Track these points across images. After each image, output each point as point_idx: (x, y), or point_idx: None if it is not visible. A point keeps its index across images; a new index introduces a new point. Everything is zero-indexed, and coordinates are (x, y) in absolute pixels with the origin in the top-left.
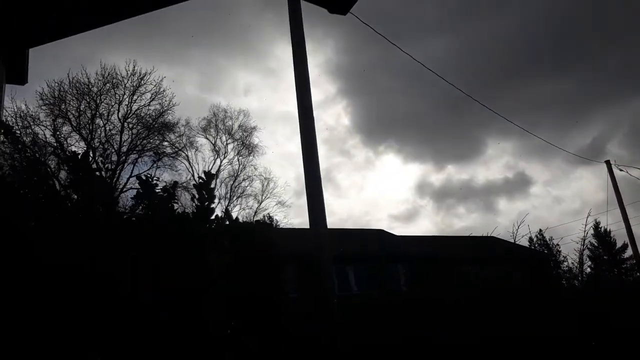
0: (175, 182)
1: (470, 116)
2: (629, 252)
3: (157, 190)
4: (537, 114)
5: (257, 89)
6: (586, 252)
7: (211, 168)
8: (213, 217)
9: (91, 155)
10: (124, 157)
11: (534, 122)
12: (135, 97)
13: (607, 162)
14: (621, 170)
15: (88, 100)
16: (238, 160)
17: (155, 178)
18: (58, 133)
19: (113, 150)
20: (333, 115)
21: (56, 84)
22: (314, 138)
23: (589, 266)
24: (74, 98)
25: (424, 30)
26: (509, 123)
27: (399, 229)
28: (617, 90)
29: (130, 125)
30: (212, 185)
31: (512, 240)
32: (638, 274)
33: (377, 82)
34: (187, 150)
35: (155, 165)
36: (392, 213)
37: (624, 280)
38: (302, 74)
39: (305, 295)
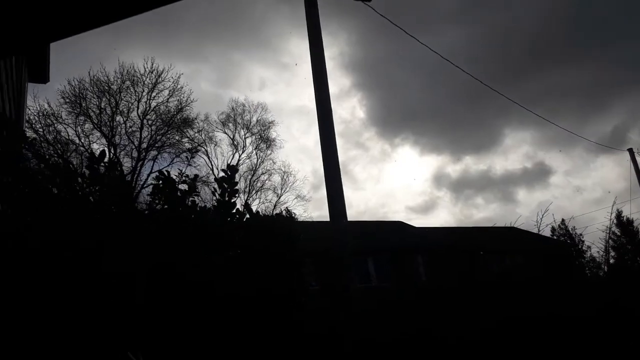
0: (196, 176)
1: (488, 106)
2: None
3: (178, 187)
4: (557, 102)
5: (273, 84)
6: (609, 242)
7: (230, 162)
8: (234, 211)
9: (112, 152)
10: (144, 154)
11: (554, 111)
12: (153, 94)
13: (630, 150)
14: None
15: (108, 97)
16: (256, 154)
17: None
18: (80, 130)
19: (134, 147)
20: (348, 108)
21: (77, 82)
22: (332, 133)
23: (612, 256)
24: (94, 96)
25: (441, 20)
26: (527, 112)
27: (417, 221)
28: (638, 77)
29: (150, 122)
30: (235, 179)
31: (537, 229)
32: None
33: (393, 74)
34: (206, 145)
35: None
36: (410, 205)
37: None
38: (320, 72)
39: (325, 288)
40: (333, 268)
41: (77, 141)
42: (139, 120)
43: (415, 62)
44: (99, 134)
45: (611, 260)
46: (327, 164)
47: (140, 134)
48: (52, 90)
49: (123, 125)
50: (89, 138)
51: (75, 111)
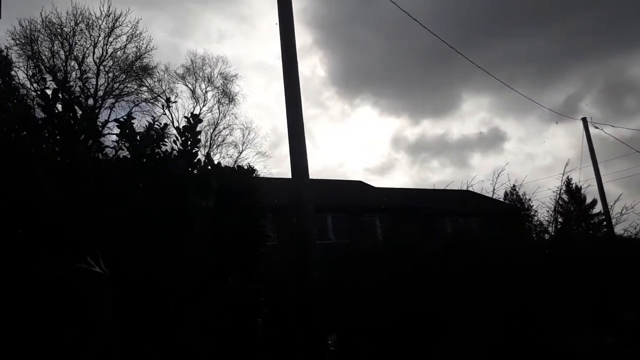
0: (166, 124)
1: (447, 71)
2: (597, 207)
3: (138, 132)
4: (514, 70)
5: (231, 36)
6: (558, 207)
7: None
8: (195, 161)
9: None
10: (100, 102)
11: (511, 79)
12: (110, 39)
13: (584, 120)
14: (597, 127)
15: (61, 40)
16: (218, 108)
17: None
18: (30, 74)
19: (89, 94)
20: (309, 66)
21: (27, 23)
22: (297, 88)
23: (559, 222)
24: (46, 38)
25: None
26: (485, 78)
27: (373, 182)
28: (593, 48)
29: (107, 69)
30: (198, 129)
31: (490, 193)
32: (605, 229)
33: (355, 32)
34: (166, 96)
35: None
36: (367, 165)
37: (592, 235)
38: (287, 17)
39: (284, 243)
40: (293, 224)
41: (28, 85)
42: (95, 67)
43: (378, 21)
44: (50, 79)
45: (558, 225)
46: (291, 120)
47: (97, 81)
48: (1, 32)
49: (77, 70)
50: (39, 83)
51: (26, 54)
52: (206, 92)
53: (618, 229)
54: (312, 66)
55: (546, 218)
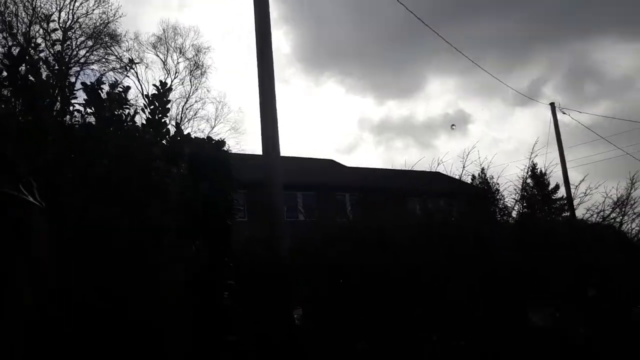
0: (128, 87)
1: (414, 51)
2: (560, 192)
3: (104, 97)
4: (478, 53)
5: (192, 2)
6: (524, 193)
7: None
8: (164, 130)
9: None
10: (64, 69)
11: (476, 60)
12: (77, 4)
13: (552, 105)
14: (564, 113)
15: (24, 2)
16: (190, 81)
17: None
18: None
19: (56, 59)
20: (273, 40)
21: None
22: (271, 66)
23: (523, 206)
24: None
25: None
26: (451, 59)
27: (340, 161)
28: (558, 32)
29: (73, 35)
30: (167, 97)
31: (462, 166)
32: (567, 213)
33: (322, 6)
34: (136, 67)
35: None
36: (333, 144)
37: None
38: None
39: (256, 220)
40: (264, 201)
41: None
42: (60, 32)
43: None
44: (12, 42)
45: (521, 210)
46: (263, 96)
47: (62, 46)
48: None
49: (41, 35)
50: (5, 41)
51: None
52: (178, 63)
53: (581, 210)
54: (276, 41)
55: (513, 198)
